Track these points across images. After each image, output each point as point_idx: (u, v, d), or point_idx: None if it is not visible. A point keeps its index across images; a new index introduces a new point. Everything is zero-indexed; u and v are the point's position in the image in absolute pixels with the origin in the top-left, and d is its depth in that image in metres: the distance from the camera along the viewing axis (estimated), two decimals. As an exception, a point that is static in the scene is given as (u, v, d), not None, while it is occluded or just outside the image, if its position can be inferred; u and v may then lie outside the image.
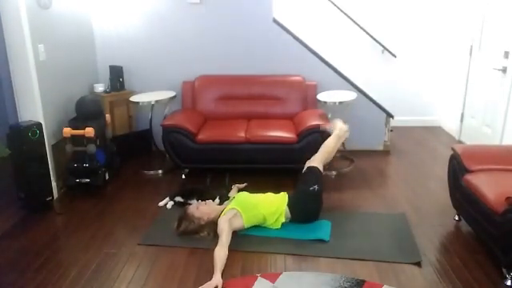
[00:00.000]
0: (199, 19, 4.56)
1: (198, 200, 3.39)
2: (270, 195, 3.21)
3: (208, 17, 4.55)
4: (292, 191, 3.25)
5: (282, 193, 3.22)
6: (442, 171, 3.96)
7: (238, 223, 2.95)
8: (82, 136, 3.67)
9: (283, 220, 3.07)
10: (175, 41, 4.64)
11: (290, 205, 3.11)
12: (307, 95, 4.50)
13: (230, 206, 3.03)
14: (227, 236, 2.78)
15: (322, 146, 3.47)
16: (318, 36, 5.23)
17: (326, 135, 3.73)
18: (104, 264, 2.72)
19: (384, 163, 4.49)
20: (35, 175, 3.38)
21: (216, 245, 2.73)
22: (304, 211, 3.13)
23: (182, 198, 3.51)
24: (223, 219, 2.90)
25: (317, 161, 3.32)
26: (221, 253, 2.64)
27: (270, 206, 3.07)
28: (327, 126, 3.73)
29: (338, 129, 3.58)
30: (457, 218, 3.22)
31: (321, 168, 3.29)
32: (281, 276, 2.53)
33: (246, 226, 2.99)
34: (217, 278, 2.45)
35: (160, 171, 4.25)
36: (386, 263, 2.67)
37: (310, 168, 3.27)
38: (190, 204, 3.31)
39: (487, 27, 4.59)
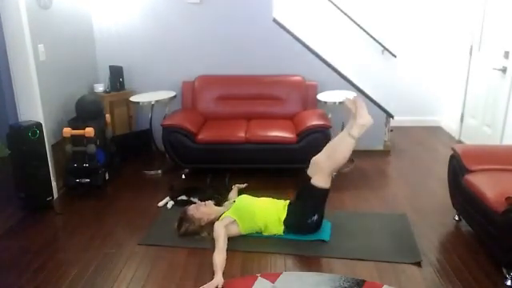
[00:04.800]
0: (199, 19, 4.56)
1: (200, 199, 3.39)
2: (271, 205, 3.07)
3: (208, 17, 4.55)
4: (290, 208, 2.99)
5: (283, 203, 3.07)
6: (442, 171, 3.96)
7: (235, 230, 2.93)
8: (82, 136, 3.67)
9: (281, 233, 2.97)
10: (175, 41, 4.64)
11: (285, 224, 2.94)
12: (307, 95, 4.50)
13: (227, 212, 3.00)
14: (223, 241, 2.77)
15: (333, 148, 2.84)
16: (318, 36, 5.22)
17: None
18: (104, 264, 2.72)
19: (384, 163, 4.49)
20: (35, 175, 3.38)
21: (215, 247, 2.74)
22: (300, 233, 2.96)
23: (186, 196, 3.51)
24: (219, 225, 2.89)
25: (323, 174, 2.81)
26: (219, 257, 2.63)
27: (268, 218, 2.96)
28: (352, 105, 2.86)
29: (364, 121, 2.78)
30: (457, 218, 3.22)
31: (327, 183, 2.84)
32: (281, 276, 2.53)
33: (243, 233, 2.98)
34: (218, 278, 2.46)
35: (160, 171, 4.25)
36: (386, 263, 2.67)
37: (313, 190, 2.83)
38: (193, 202, 3.31)
39: (487, 27, 4.59)
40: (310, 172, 2.92)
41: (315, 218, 2.89)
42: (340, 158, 2.84)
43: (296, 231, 2.96)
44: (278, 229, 2.97)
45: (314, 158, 2.94)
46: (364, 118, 2.81)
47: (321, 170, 2.84)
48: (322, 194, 2.88)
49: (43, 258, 2.80)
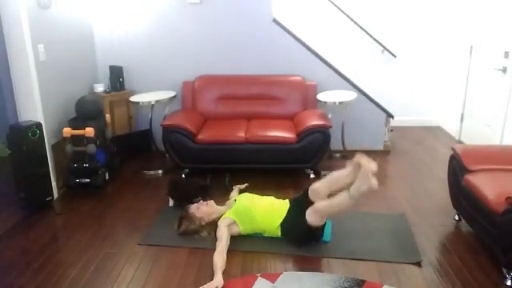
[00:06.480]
0: (199, 19, 4.56)
1: (187, 203, 3.37)
2: (270, 210, 2.99)
3: (208, 17, 4.55)
4: (289, 213, 2.92)
5: (283, 208, 2.98)
6: (442, 171, 3.96)
7: (235, 230, 2.94)
8: (82, 136, 3.67)
9: (280, 236, 2.97)
10: (175, 41, 4.64)
11: (283, 231, 2.92)
12: (307, 95, 4.50)
13: (228, 213, 3.00)
14: (226, 241, 2.77)
15: (332, 186, 2.70)
16: (318, 36, 5.23)
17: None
18: (104, 264, 2.72)
19: (384, 163, 4.49)
20: (35, 175, 3.38)
21: (216, 246, 2.74)
22: None
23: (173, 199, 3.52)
24: (223, 224, 2.89)
25: (319, 215, 2.71)
26: (219, 258, 2.63)
27: (268, 224, 2.94)
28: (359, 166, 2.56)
29: (367, 187, 2.53)
30: (457, 218, 3.22)
31: (322, 220, 2.75)
32: (281, 276, 2.53)
33: (243, 234, 2.97)
34: (218, 279, 2.45)
35: (160, 171, 4.25)
36: (386, 263, 2.67)
37: (308, 227, 2.74)
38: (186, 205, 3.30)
39: (487, 27, 4.59)
40: (310, 195, 2.77)
41: (314, 242, 2.88)
42: (336, 212, 2.75)
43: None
44: (276, 234, 2.96)
45: (314, 187, 2.76)
46: (367, 183, 2.53)
47: (316, 211, 2.70)
48: (319, 230, 2.82)
49: (43, 257, 2.80)
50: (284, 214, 2.93)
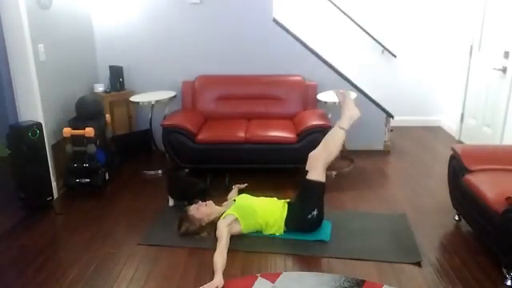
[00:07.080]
0: (199, 19, 4.56)
1: (187, 202, 3.37)
2: (271, 203, 3.10)
3: (208, 17, 4.55)
4: (290, 206, 3.03)
5: (282, 202, 3.10)
6: (442, 171, 3.96)
7: (236, 229, 2.95)
8: (82, 136, 3.67)
9: (282, 232, 3.00)
10: (175, 41, 4.64)
11: (286, 223, 2.98)
12: (307, 95, 4.50)
13: (229, 210, 3.01)
14: (226, 241, 2.77)
15: (327, 140, 3.05)
16: (319, 36, 5.23)
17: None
18: (104, 264, 2.72)
19: (384, 163, 4.49)
20: (35, 175, 3.38)
21: (216, 246, 2.73)
22: (302, 231, 3.00)
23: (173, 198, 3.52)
24: (223, 223, 2.90)
25: (318, 167, 2.92)
26: (220, 257, 2.62)
27: (269, 217, 2.98)
28: (340, 96, 3.21)
29: (351, 113, 3.09)
30: (457, 218, 3.22)
31: (322, 177, 2.93)
32: (281, 276, 2.53)
33: (245, 232, 2.99)
34: (218, 279, 2.45)
35: (160, 171, 4.25)
36: (386, 263, 2.67)
37: (309, 184, 2.93)
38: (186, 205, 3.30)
39: (487, 27, 4.59)
40: (308, 167, 3.00)
41: (315, 213, 2.91)
42: (333, 148, 3.00)
43: (297, 229, 2.98)
44: (278, 226, 2.98)
45: (311, 153, 3.04)
46: (351, 110, 3.11)
47: (316, 161, 2.96)
48: (319, 188, 2.94)
49: (43, 257, 2.80)
50: (284, 210, 3.00)
